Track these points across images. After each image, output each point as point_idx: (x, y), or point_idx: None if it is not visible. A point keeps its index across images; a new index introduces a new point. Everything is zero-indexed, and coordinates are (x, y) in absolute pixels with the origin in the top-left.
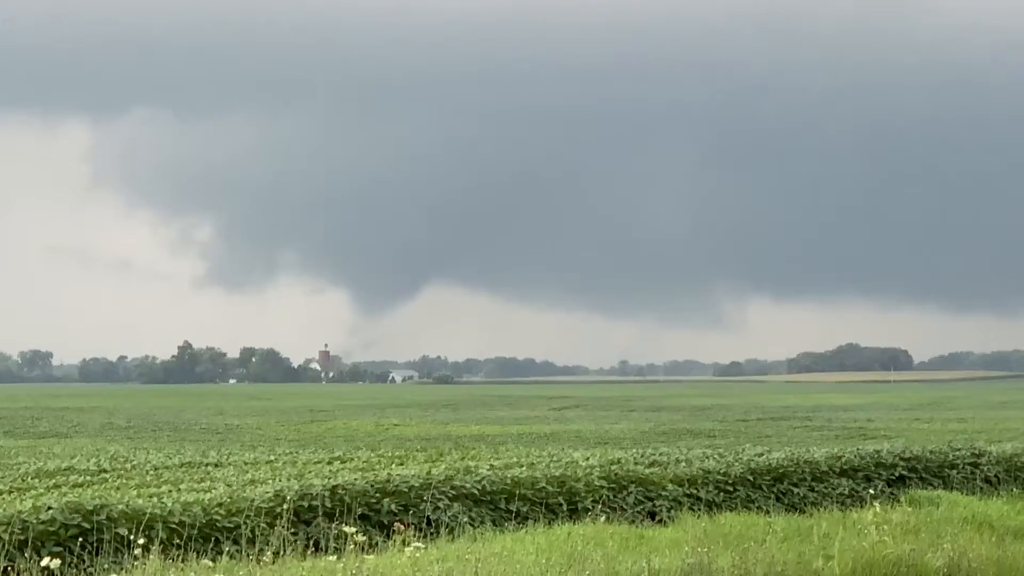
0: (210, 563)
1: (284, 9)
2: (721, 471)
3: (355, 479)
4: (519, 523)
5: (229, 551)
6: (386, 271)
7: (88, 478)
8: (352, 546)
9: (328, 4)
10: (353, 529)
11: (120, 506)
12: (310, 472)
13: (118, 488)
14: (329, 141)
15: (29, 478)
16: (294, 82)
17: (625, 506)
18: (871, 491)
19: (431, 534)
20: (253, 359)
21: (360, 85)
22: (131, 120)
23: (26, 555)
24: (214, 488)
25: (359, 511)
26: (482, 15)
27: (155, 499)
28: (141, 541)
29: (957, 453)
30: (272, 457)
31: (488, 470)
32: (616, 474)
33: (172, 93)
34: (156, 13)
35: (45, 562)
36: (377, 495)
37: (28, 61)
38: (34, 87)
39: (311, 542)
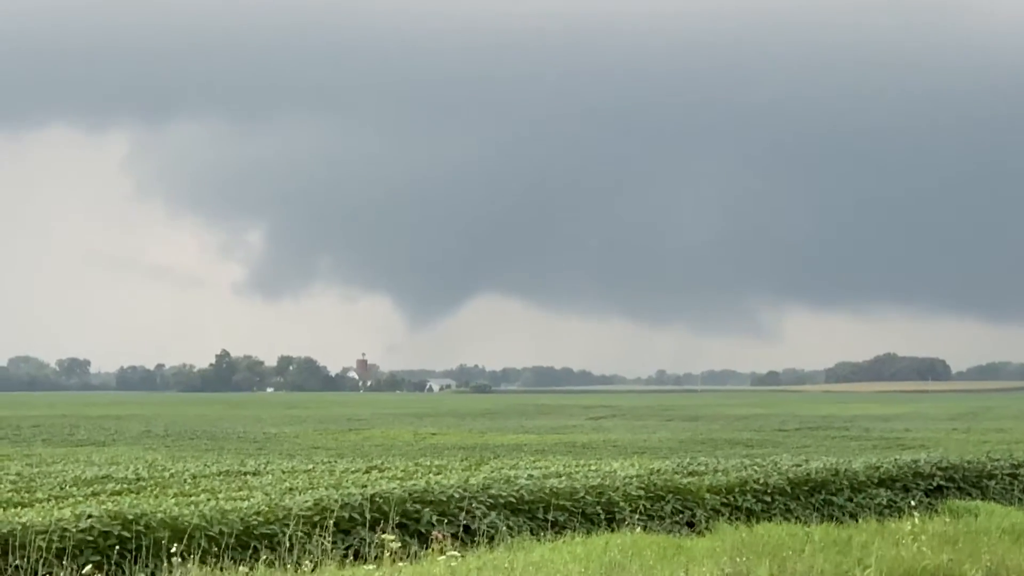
0: (248, 571)
1: (334, 15)
2: (759, 481)
3: (393, 488)
4: (557, 532)
5: (267, 559)
6: (425, 280)
7: (126, 486)
8: (388, 554)
9: (379, 10)
10: (391, 537)
11: (158, 514)
12: (348, 481)
13: (156, 496)
14: (376, 148)
15: (67, 486)
16: (341, 88)
17: (663, 516)
18: (910, 501)
19: (469, 543)
20: (291, 368)
21: (407, 92)
22: (175, 126)
23: (64, 563)
24: (252, 497)
25: (397, 520)
26: (525, 20)
27: (193, 507)
28: (179, 549)
29: (995, 463)
30: (310, 466)
31: (526, 479)
32: (654, 484)
33: (218, 99)
34: (202, 17)
35: (87, 570)
36: (415, 504)
37: (75, 67)
38: (80, 93)
39: (349, 551)
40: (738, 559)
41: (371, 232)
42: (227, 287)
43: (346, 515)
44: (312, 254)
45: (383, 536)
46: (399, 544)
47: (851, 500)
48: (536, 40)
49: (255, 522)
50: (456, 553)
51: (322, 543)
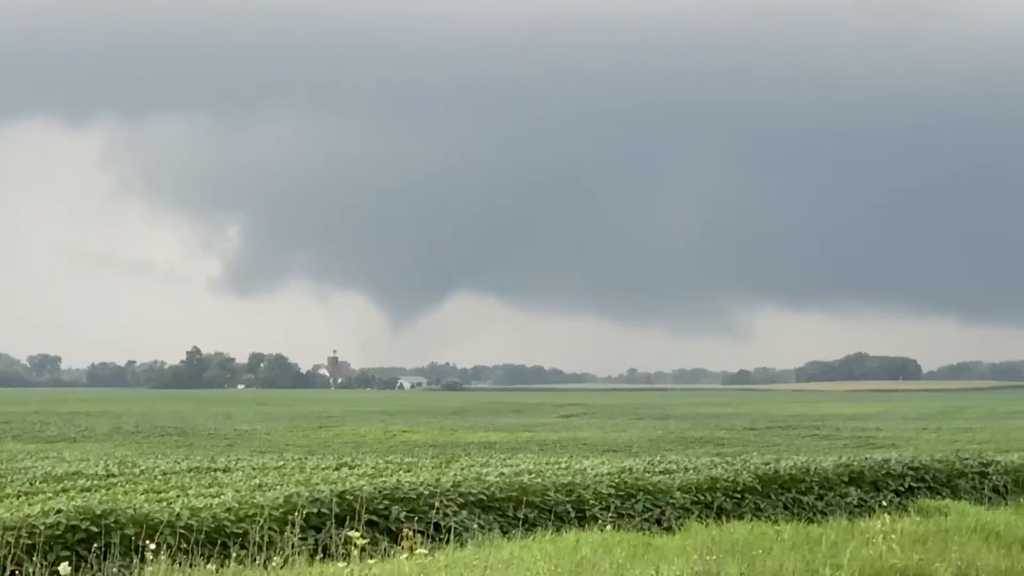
0: (218, 568)
1: (317, 12)
2: (729, 479)
3: (363, 485)
4: (527, 530)
5: (237, 556)
6: (400, 278)
7: (96, 483)
8: (356, 552)
9: (363, 8)
10: (357, 534)
11: (128, 511)
12: (318, 478)
13: (126, 493)
14: (356, 146)
15: (37, 482)
16: (324, 86)
17: (633, 514)
18: (880, 501)
19: (439, 540)
20: (262, 364)
21: (390, 91)
22: (154, 122)
23: (34, 560)
24: (222, 493)
25: (367, 517)
26: (510, 22)
27: (163, 504)
28: (151, 546)
29: (965, 463)
30: (280, 463)
31: (497, 477)
32: (624, 482)
33: (200, 96)
34: (184, 14)
35: (60, 567)
36: (385, 501)
37: (55, 61)
38: (59, 88)
39: (320, 548)
40: (708, 557)
41: (347, 229)
42: (203, 284)
43: (316, 512)
44: (287, 251)
45: (350, 533)
46: (366, 541)
47: (821, 499)
48: (519, 42)
49: (225, 519)
50: (426, 551)
51: (292, 540)
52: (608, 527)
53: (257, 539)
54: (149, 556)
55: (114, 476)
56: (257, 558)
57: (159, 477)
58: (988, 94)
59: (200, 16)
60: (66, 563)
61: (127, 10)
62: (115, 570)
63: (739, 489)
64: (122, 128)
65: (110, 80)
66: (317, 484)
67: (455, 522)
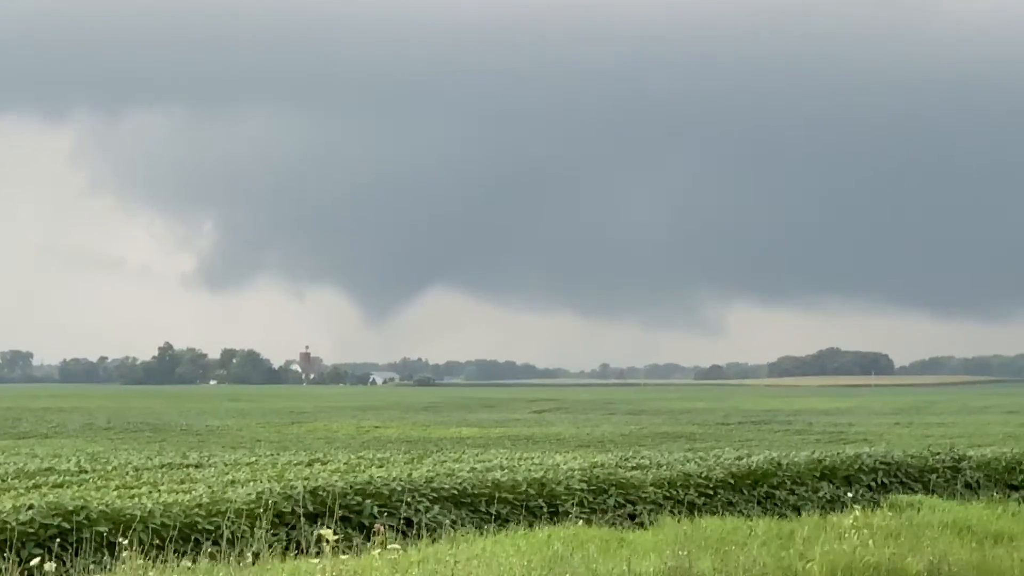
0: (190, 564)
1: (290, 8)
2: (702, 474)
3: (335, 481)
4: (500, 525)
5: (209, 552)
6: (373, 274)
7: (68, 479)
8: (328, 548)
9: (336, 4)
10: (328, 531)
11: (100, 507)
12: (290, 474)
13: (98, 489)
14: (332, 142)
15: (9, 478)
16: (299, 81)
17: (605, 509)
18: (852, 495)
19: (411, 536)
20: (234, 360)
21: (364, 86)
22: (130, 117)
23: (7, 556)
24: (194, 489)
25: (340, 513)
26: (484, 15)
27: (135, 500)
28: (122, 542)
29: (938, 458)
30: (253, 459)
31: (469, 472)
32: (597, 477)
33: (175, 91)
34: (159, 9)
35: (45, 565)
36: (357, 497)
37: (30, 57)
38: (33, 84)
39: (292, 544)
40: (681, 552)
41: (321, 225)
42: (177, 279)
43: (288, 508)
44: (261, 247)
45: (321, 531)
46: (339, 537)
47: (793, 494)
48: (494, 37)
49: (197, 515)
50: (398, 546)
51: (264, 536)
52: (580, 522)
53: (229, 535)
54: (121, 552)
55: (86, 472)
56: (229, 554)
57: (131, 473)
58: (963, 90)
59: (175, 11)
60: (39, 559)
61: (103, 5)
62: (87, 566)
63: (712, 484)
64: (97, 123)
65: (86, 75)
66: (289, 480)
67: (427, 518)
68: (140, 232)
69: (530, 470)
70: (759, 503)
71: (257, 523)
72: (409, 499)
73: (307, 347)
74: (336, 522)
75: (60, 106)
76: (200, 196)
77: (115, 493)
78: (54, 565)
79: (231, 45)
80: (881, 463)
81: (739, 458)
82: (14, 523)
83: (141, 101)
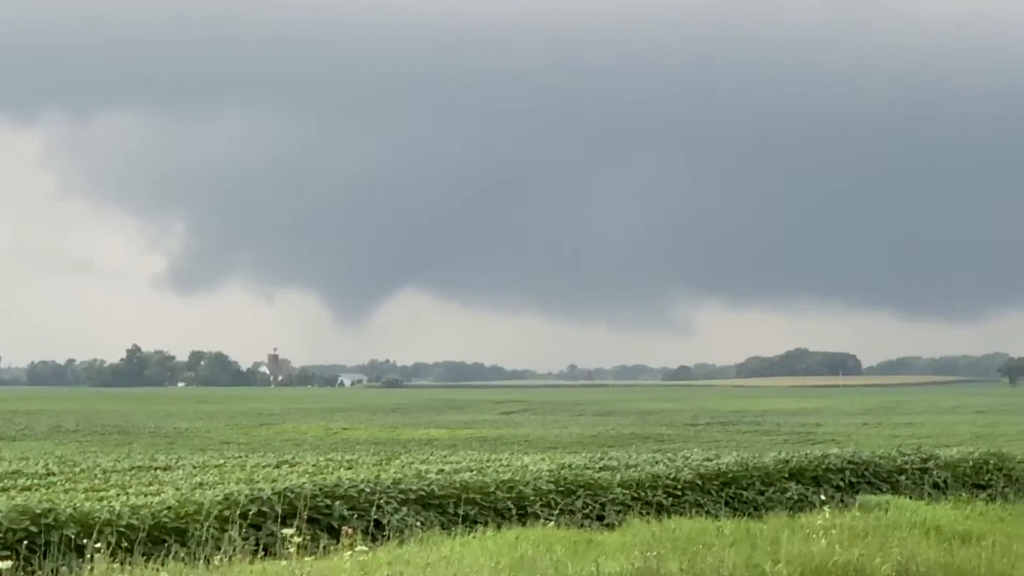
0: (158, 566)
1: (266, 7)
2: (670, 475)
3: (304, 483)
4: (468, 527)
5: (178, 555)
6: (342, 276)
7: (36, 481)
8: (294, 550)
9: (311, 4)
10: (291, 531)
11: (68, 509)
12: (259, 476)
13: (66, 491)
14: (303, 145)
15: None
16: (272, 83)
17: (574, 510)
18: (820, 496)
19: (380, 537)
20: (202, 362)
21: (336, 88)
22: (101, 118)
23: None
24: (163, 492)
25: (308, 515)
26: (459, 18)
27: (104, 502)
28: (92, 545)
29: (906, 458)
30: (221, 461)
31: (437, 474)
32: (565, 478)
33: (148, 91)
34: (131, 9)
35: (3, 565)
36: (326, 499)
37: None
38: (6, 84)
39: (260, 546)
40: (649, 553)
41: (290, 227)
42: (147, 281)
43: (256, 510)
44: (231, 249)
45: (285, 531)
46: (306, 538)
47: (762, 494)
48: (467, 40)
49: (165, 517)
50: (366, 548)
51: (233, 538)
52: (549, 524)
53: (198, 537)
54: (89, 555)
55: (54, 475)
56: (198, 556)
57: (99, 476)
58: (929, 92)
59: (147, 11)
60: (6, 561)
61: (72, 7)
62: (56, 569)
63: (680, 485)
64: (68, 124)
65: (57, 76)
66: (258, 482)
67: (396, 519)
68: (109, 234)
69: (498, 471)
70: (727, 504)
71: (226, 525)
72: (378, 501)
73: (275, 349)
74: (304, 524)
75: (30, 108)
76: (170, 198)
77: (83, 496)
78: (10, 563)
79: (204, 45)
80: (849, 463)
81: (707, 459)
82: None
83: (111, 103)
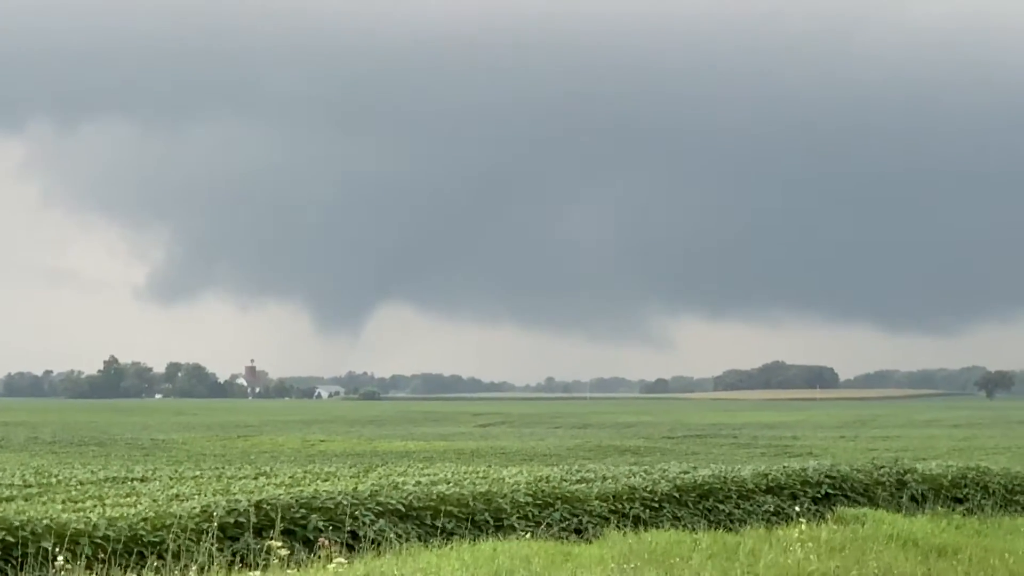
0: None
1: (247, 18)
2: (647, 488)
3: (280, 494)
4: (445, 539)
5: (154, 566)
6: (317, 288)
7: (13, 492)
8: (276, 561)
9: (294, 14)
10: (278, 543)
11: (45, 521)
12: (235, 487)
13: (43, 503)
14: (284, 157)
15: None
16: (255, 95)
17: (551, 523)
18: (797, 509)
19: (357, 550)
20: (179, 374)
21: (319, 101)
22: (84, 129)
23: None
24: (139, 503)
25: (284, 527)
26: (432, 28)
27: (80, 514)
28: (65, 555)
29: (883, 471)
30: (198, 472)
31: (414, 486)
32: (542, 491)
33: (129, 101)
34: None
35: None
36: (303, 511)
37: None
38: None
39: (237, 557)
40: (626, 566)
41: (269, 239)
42: (127, 293)
43: (233, 521)
44: (208, 260)
45: (270, 543)
46: (287, 551)
47: (739, 507)
48: (438, 57)
49: (142, 528)
50: (343, 560)
51: (209, 549)
52: (526, 536)
53: (174, 548)
54: (65, 565)
55: (31, 486)
56: (174, 567)
57: (76, 487)
58: (912, 100)
59: (134, 22)
60: None
61: (57, 17)
62: None
63: (657, 498)
64: (51, 135)
65: (42, 87)
66: (234, 494)
67: (373, 531)
68: (91, 245)
69: (476, 484)
70: (704, 516)
71: (202, 537)
72: (355, 513)
73: (252, 361)
74: (281, 536)
75: (13, 118)
76: (150, 210)
77: (60, 507)
78: None
79: (187, 57)
80: (826, 476)
81: (685, 472)
82: None
83: (97, 113)
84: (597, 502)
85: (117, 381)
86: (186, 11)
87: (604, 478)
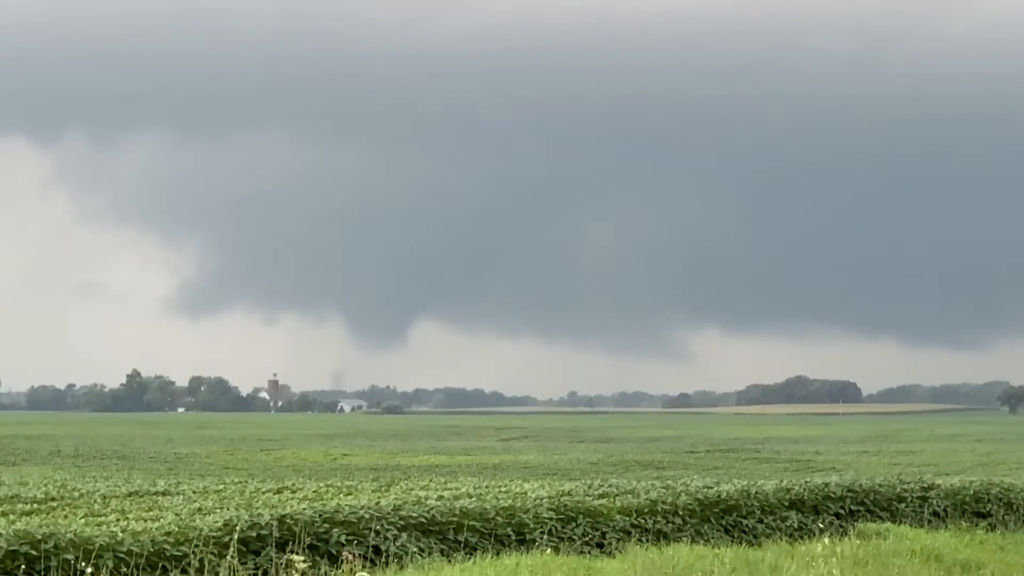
0: None
1: (286, 33)
2: (669, 502)
3: (303, 508)
4: (468, 554)
5: None
6: (341, 302)
7: (36, 506)
8: (296, 574)
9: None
10: (300, 557)
11: (68, 534)
12: (258, 502)
13: (66, 516)
14: (311, 173)
15: None
16: (288, 108)
17: (573, 537)
18: (820, 524)
19: (379, 564)
20: (202, 388)
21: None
22: (117, 142)
23: None
24: (162, 517)
25: (307, 541)
26: (455, 47)
27: (103, 527)
28: (89, 570)
29: (906, 486)
30: (221, 486)
31: (437, 500)
32: (564, 505)
33: (165, 112)
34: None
35: None
36: (325, 525)
37: (23, 80)
38: (23, 105)
39: (259, 572)
40: None
41: (294, 253)
42: (152, 306)
43: (255, 535)
44: (234, 274)
45: (291, 556)
46: (308, 564)
47: (761, 522)
48: (476, 65)
49: (165, 542)
50: (366, 574)
51: (231, 564)
52: (549, 550)
53: (197, 563)
54: None
55: (54, 500)
56: None
57: (99, 501)
58: (932, 117)
59: (170, 35)
60: None
61: (95, 27)
62: None
63: (679, 512)
64: (82, 148)
65: (78, 99)
66: (257, 508)
67: (395, 545)
68: (122, 257)
69: (498, 498)
70: (727, 531)
71: (225, 551)
72: (377, 527)
73: (275, 374)
74: (304, 550)
75: (48, 130)
76: (178, 224)
77: (83, 521)
78: None
79: (225, 70)
80: (849, 491)
81: (707, 486)
82: None
83: (133, 126)
84: (619, 516)
85: (140, 395)
86: (221, 26)
87: (626, 492)
